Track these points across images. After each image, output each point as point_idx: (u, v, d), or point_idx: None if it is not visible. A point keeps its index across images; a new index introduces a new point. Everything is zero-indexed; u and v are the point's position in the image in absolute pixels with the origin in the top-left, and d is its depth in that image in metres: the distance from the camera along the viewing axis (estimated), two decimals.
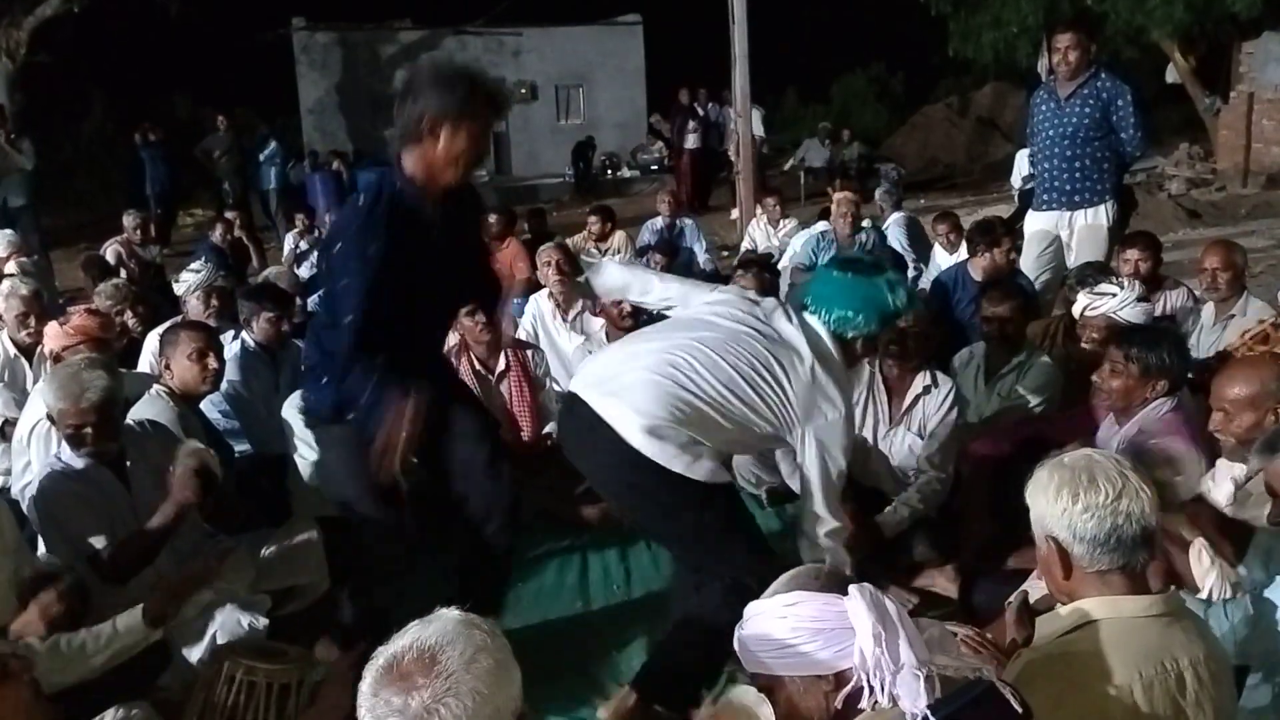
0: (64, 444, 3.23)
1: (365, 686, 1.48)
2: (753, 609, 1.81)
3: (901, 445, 3.97)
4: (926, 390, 3.94)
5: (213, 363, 3.87)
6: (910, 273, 7.61)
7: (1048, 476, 1.92)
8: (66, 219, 15.07)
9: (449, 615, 1.55)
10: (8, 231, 7.86)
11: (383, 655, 1.50)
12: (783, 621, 1.73)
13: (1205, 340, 4.52)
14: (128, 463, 3.26)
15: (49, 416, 3.30)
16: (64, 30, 15.73)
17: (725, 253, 10.75)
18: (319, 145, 19.11)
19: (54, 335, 4.18)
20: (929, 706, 1.59)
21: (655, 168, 18.79)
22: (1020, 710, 1.64)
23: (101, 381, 3.11)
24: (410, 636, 1.50)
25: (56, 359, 4.07)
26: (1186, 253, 8.34)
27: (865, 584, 1.73)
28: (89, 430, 3.13)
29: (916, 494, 3.82)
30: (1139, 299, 4.08)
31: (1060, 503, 1.88)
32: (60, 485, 3.13)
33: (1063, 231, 5.59)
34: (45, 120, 16.39)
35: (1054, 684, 1.83)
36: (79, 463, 3.17)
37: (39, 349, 4.62)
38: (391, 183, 2.95)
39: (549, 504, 4.22)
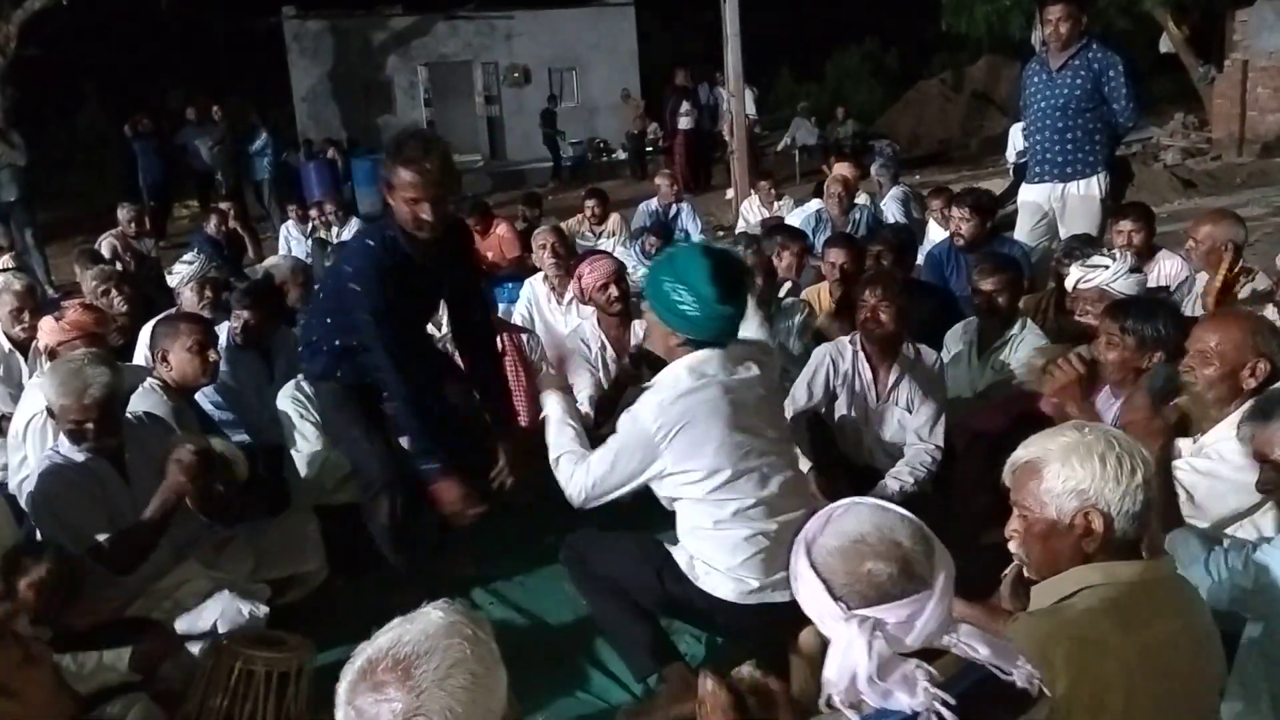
0: (61, 437, 3.23)
1: (343, 687, 1.41)
2: (820, 529, 1.68)
3: (891, 420, 3.96)
4: (910, 364, 3.93)
5: (212, 355, 3.88)
6: None
7: (1086, 450, 1.89)
8: (62, 213, 15.05)
9: (433, 617, 1.45)
10: None
11: (362, 654, 1.42)
12: (810, 570, 1.64)
13: (1198, 310, 4.52)
14: (126, 455, 3.27)
15: (48, 411, 3.30)
16: (54, 23, 15.63)
17: (720, 232, 10.74)
18: (313, 133, 19.07)
19: (49, 330, 4.17)
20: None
21: (650, 149, 18.73)
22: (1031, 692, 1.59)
23: (104, 378, 3.12)
24: (390, 637, 1.42)
25: (52, 354, 4.06)
26: (1183, 223, 8.31)
27: (876, 627, 1.56)
28: (91, 426, 3.14)
29: (908, 468, 3.83)
30: (1132, 270, 4.08)
31: (1110, 477, 1.86)
32: (59, 478, 3.14)
33: (1055, 204, 5.57)
34: (38, 114, 16.35)
35: (1047, 641, 1.81)
36: (77, 455, 3.18)
37: (34, 343, 4.62)
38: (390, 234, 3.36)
39: (547, 487, 4.21)
